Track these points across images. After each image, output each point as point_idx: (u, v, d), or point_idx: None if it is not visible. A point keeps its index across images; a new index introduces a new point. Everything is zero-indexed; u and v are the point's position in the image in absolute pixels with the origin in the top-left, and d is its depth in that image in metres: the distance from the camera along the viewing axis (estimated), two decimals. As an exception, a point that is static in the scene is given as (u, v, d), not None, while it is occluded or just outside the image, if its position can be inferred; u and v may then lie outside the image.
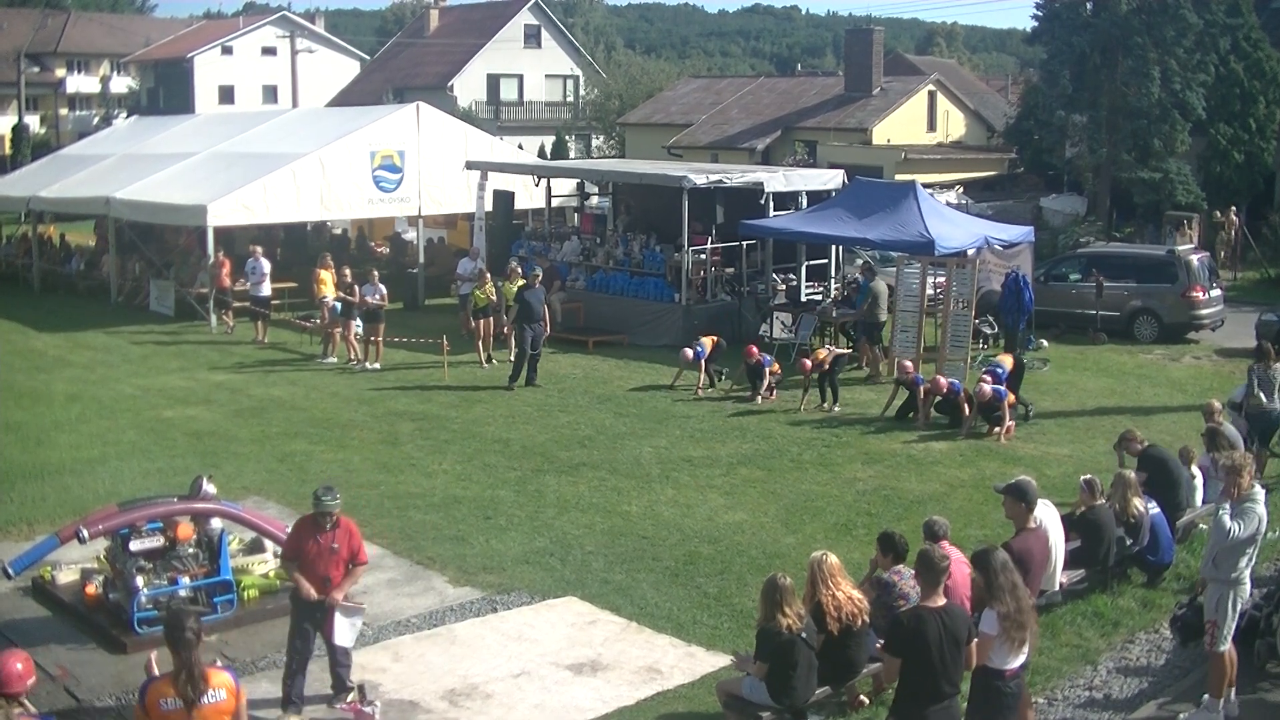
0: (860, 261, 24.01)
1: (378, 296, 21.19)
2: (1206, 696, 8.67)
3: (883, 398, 17.88)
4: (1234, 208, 33.27)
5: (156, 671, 6.45)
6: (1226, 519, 8.32)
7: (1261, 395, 14.09)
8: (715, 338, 19.59)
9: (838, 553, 8.90)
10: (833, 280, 25.05)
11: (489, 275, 22.36)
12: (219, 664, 6.72)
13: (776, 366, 18.67)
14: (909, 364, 17.52)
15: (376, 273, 22.10)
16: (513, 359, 20.08)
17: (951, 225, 21.41)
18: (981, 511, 13.01)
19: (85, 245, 33.06)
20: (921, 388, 17.18)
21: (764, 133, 44.49)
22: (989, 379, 16.92)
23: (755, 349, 18.58)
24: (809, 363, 17.92)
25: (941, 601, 6.93)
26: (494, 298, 21.54)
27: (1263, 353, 14.50)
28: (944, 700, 6.87)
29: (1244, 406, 14.34)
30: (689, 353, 19.09)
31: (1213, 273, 24.38)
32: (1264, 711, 8.94)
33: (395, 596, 10.95)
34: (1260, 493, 8.61)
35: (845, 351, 18.51)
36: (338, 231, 33.65)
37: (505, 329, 21.47)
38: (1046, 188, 39.13)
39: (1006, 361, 17.58)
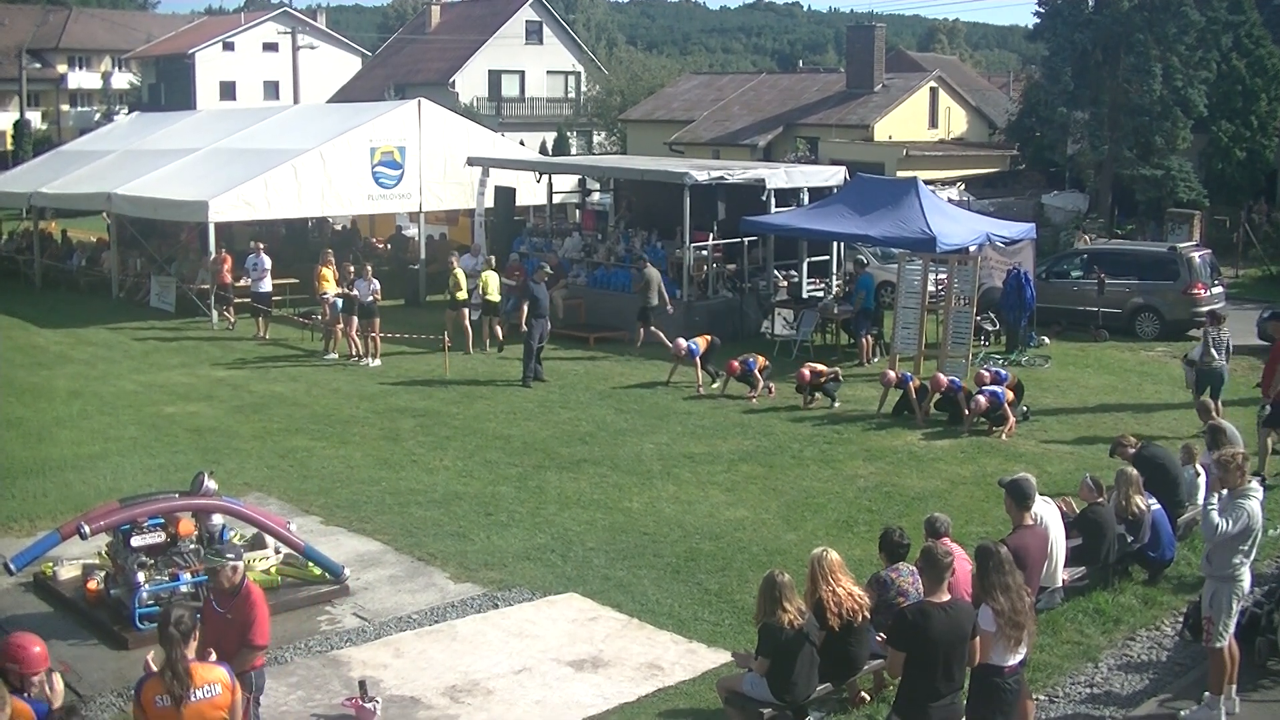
0: (858, 258, 24.03)
1: (372, 292, 21.18)
2: (1207, 694, 8.66)
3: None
4: (1263, 197, 33.41)
5: (154, 668, 6.46)
6: (1214, 515, 8.31)
7: (1214, 354, 16.16)
8: (709, 337, 19.53)
9: (839, 549, 8.90)
10: (834, 277, 25.06)
11: (456, 260, 22.82)
12: (213, 658, 6.70)
13: (763, 361, 18.65)
14: (892, 374, 17.54)
15: (370, 268, 22.09)
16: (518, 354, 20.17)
17: (953, 222, 21.41)
18: (983, 508, 13.00)
19: (87, 241, 33.09)
20: (911, 384, 17.19)
21: (765, 129, 44.51)
22: (987, 376, 16.94)
23: (735, 363, 18.46)
24: (805, 373, 17.88)
25: (946, 597, 6.92)
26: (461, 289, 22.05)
27: (1216, 318, 16.75)
28: (946, 697, 6.87)
29: (1198, 364, 16.31)
30: (682, 343, 19.05)
31: (1214, 269, 24.38)
32: (1265, 709, 8.94)
33: (396, 593, 10.95)
34: (1256, 489, 8.61)
35: (839, 380, 18.31)
36: (339, 227, 33.64)
37: (490, 325, 21.96)
38: (1048, 184, 39.16)
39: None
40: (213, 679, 6.36)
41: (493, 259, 23.32)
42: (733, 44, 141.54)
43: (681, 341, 19.09)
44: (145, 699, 6.28)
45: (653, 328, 21.49)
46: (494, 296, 22.02)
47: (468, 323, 22.01)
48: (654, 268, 22.30)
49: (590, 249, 25.69)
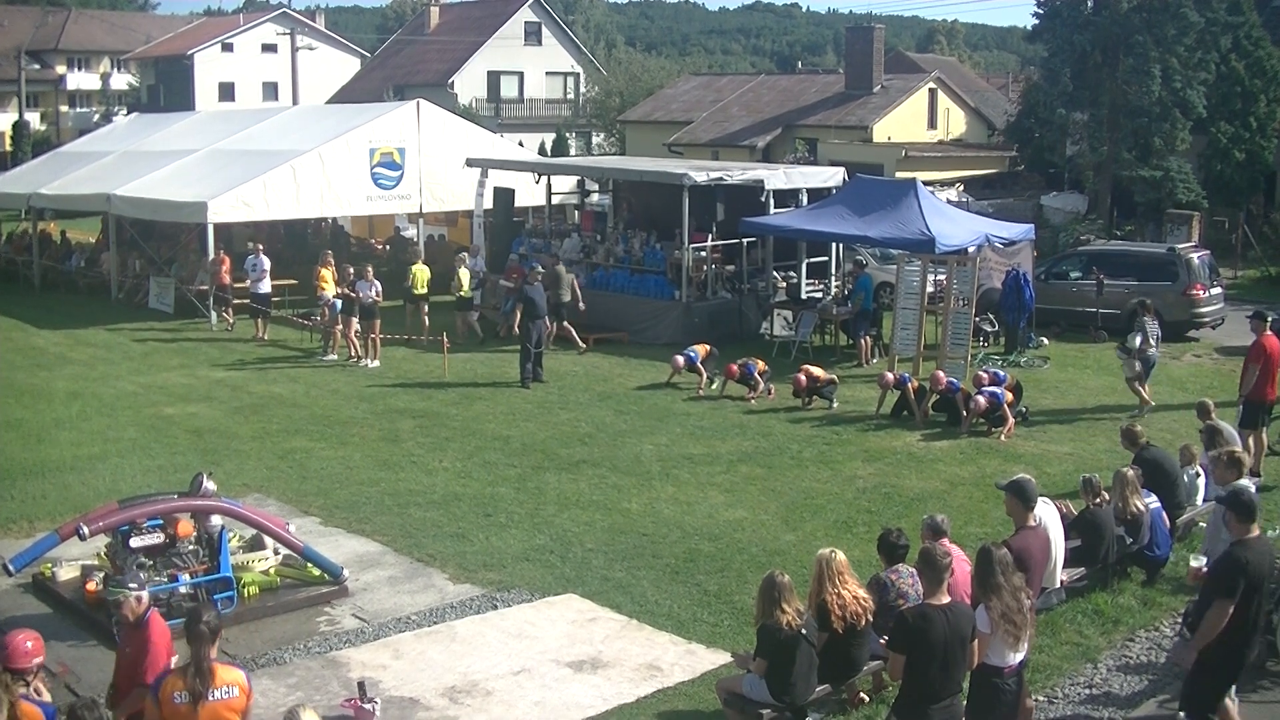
0: (857, 259, 24.03)
1: (373, 293, 21.20)
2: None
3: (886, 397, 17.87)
4: (1261, 195, 33.61)
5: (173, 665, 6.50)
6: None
7: (1151, 342, 17.61)
8: (708, 346, 19.47)
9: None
10: (833, 278, 25.06)
11: (420, 259, 24.04)
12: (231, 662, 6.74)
13: (762, 365, 18.67)
14: (890, 376, 17.56)
15: (370, 269, 22.11)
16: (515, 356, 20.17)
17: (952, 223, 21.41)
18: (982, 509, 13.01)
19: (85, 242, 33.07)
20: (910, 385, 17.20)
21: (764, 130, 44.51)
22: (985, 378, 16.94)
23: (734, 366, 18.50)
24: (802, 378, 17.89)
25: (945, 599, 6.92)
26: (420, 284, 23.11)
27: (1146, 308, 18.08)
28: (946, 699, 6.87)
29: (1136, 351, 17.49)
30: (680, 360, 19.07)
31: (1213, 271, 24.38)
32: (1265, 710, 8.94)
33: (395, 594, 10.95)
34: (1249, 487, 8.63)
35: (836, 384, 18.28)
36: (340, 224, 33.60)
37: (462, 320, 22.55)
38: (1047, 186, 39.14)
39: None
40: (231, 680, 6.43)
41: (465, 255, 24.01)
42: (732, 45, 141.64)
43: (679, 359, 19.09)
44: (163, 694, 6.32)
45: (565, 323, 22.06)
46: (466, 292, 23.10)
47: (425, 318, 22.89)
48: (563, 265, 23.05)
49: (589, 250, 25.68)
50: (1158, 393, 19.05)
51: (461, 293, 23.00)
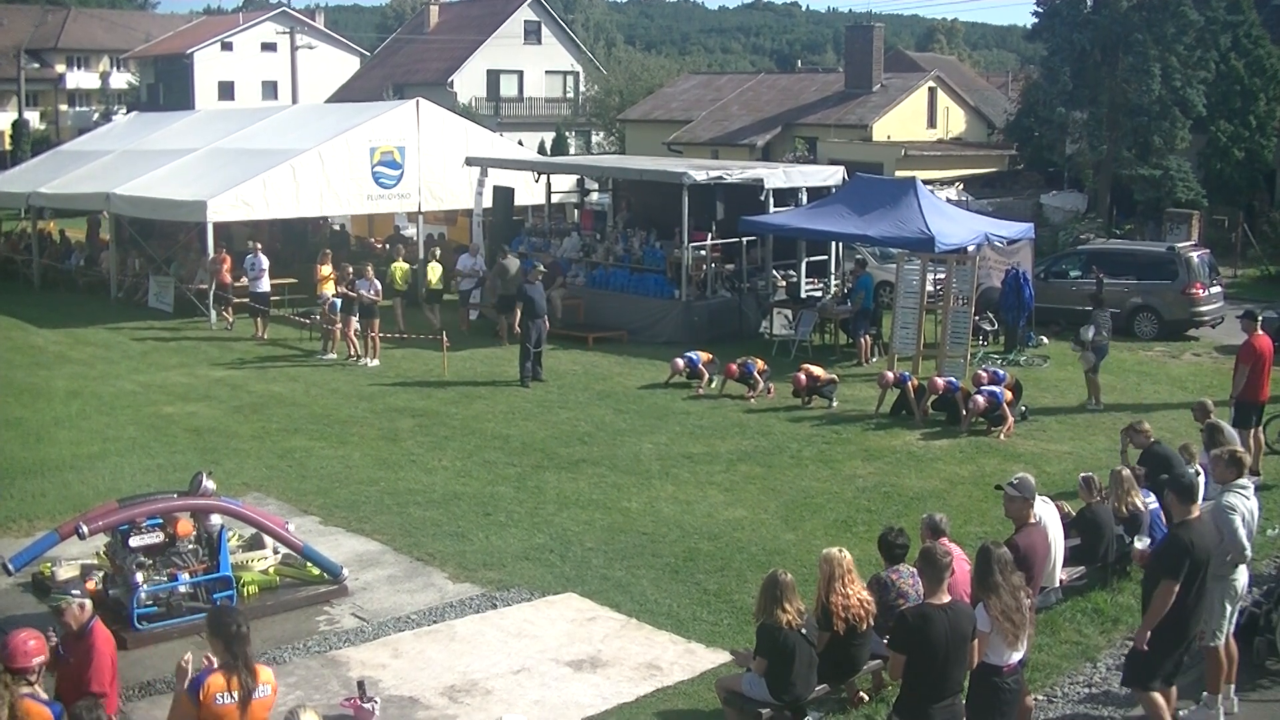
0: (858, 258, 24.04)
1: (373, 292, 21.22)
2: (1205, 694, 8.67)
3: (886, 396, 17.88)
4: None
5: (189, 670, 6.44)
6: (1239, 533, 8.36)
7: (1104, 334, 17.99)
8: (711, 356, 19.40)
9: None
10: (832, 276, 25.07)
11: (401, 255, 24.99)
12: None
13: (761, 364, 18.68)
14: (890, 375, 17.57)
15: (370, 268, 22.13)
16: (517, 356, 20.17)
17: (952, 222, 21.42)
18: (981, 509, 13.01)
19: (84, 241, 33.06)
20: (910, 384, 17.20)
21: (764, 129, 44.51)
22: (985, 376, 16.94)
23: (734, 366, 18.52)
24: (802, 377, 17.90)
25: (946, 598, 6.91)
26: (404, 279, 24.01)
27: (1099, 301, 18.52)
28: (947, 698, 6.87)
29: (1091, 343, 17.71)
30: (680, 362, 19.07)
31: (1213, 269, 24.40)
32: (1264, 709, 8.94)
33: (395, 593, 10.95)
34: (1246, 485, 8.63)
35: (836, 383, 18.28)
36: (337, 227, 33.60)
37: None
38: (1047, 184, 39.17)
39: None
40: (264, 680, 6.43)
41: (437, 250, 25.22)
42: (731, 44, 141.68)
43: (679, 361, 19.09)
44: (206, 695, 6.24)
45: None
46: (434, 284, 24.30)
47: (400, 314, 23.78)
48: (514, 258, 23.31)
49: (589, 249, 25.69)
50: (1157, 391, 19.13)
51: (430, 285, 24.05)
